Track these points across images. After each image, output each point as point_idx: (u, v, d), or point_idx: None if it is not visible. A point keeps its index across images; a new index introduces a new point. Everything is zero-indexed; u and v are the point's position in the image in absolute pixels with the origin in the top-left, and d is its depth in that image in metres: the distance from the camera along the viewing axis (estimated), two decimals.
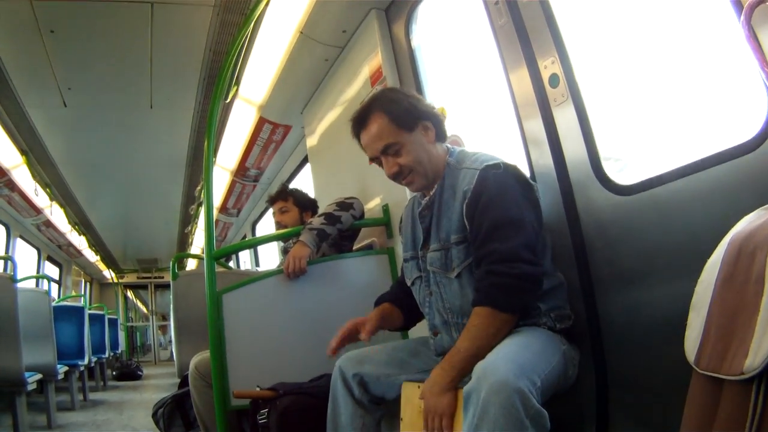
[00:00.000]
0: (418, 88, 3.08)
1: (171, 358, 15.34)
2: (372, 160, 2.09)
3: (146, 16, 3.91)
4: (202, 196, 7.36)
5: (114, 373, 11.20)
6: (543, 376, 1.55)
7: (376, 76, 3.31)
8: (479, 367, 1.51)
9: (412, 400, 1.88)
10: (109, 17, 3.92)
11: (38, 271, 10.07)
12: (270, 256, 8.15)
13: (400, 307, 2.20)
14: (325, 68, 4.00)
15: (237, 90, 4.41)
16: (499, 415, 1.39)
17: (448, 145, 2.12)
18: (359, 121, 2.06)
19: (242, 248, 7.77)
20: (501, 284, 1.71)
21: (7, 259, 5.72)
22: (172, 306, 4.63)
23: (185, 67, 4.62)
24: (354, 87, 3.62)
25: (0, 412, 5.73)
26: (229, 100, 4.43)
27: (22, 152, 6.09)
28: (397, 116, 1.98)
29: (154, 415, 3.49)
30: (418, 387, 1.82)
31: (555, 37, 2.13)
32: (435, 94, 3.10)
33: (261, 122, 4.90)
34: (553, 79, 2.13)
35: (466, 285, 1.89)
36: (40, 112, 5.32)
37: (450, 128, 2.18)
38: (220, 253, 3.26)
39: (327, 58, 3.88)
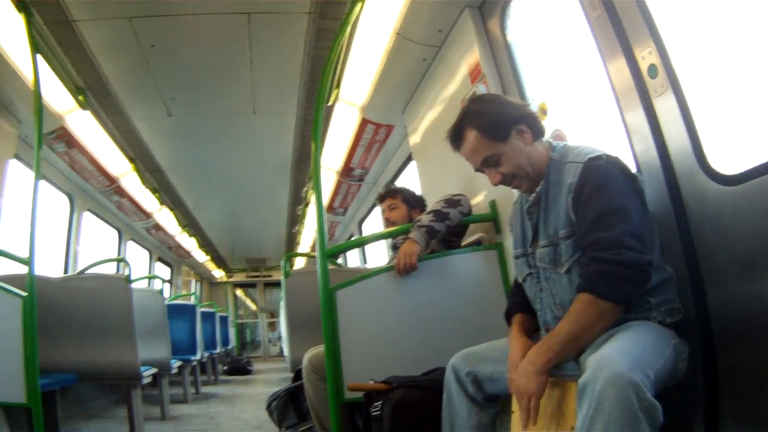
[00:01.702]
0: (517, 83, 3.06)
1: (280, 354, 15.77)
2: (476, 170, 2.12)
3: (244, 26, 4.03)
4: (309, 196, 7.56)
5: (225, 368, 11.64)
6: (655, 370, 1.52)
7: (475, 74, 3.31)
8: (594, 359, 1.50)
9: None
10: (206, 29, 4.09)
11: (150, 272, 10.46)
12: (376, 253, 8.27)
13: (530, 311, 2.15)
14: (423, 67, 4.03)
15: (338, 93, 4.50)
16: (614, 407, 1.38)
17: (550, 140, 2.10)
18: (454, 139, 2.10)
19: (354, 246, 7.93)
20: (605, 271, 1.69)
21: (122, 260, 6.06)
22: (283, 303, 4.76)
23: (286, 73, 4.73)
24: (454, 85, 3.63)
25: (116, 404, 6.12)
26: (331, 103, 4.54)
27: (131, 160, 6.37)
28: (488, 129, 1.99)
29: (268, 407, 3.61)
30: None
31: (650, 27, 2.07)
32: (535, 88, 3.05)
33: (364, 123, 4.99)
34: (652, 70, 2.07)
35: (576, 280, 1.87)
36: (145, 122, 5.60)
37: (552, 123, 2.17)
38: (332, 251, 3.39)
39: (425, 58, 3.91)
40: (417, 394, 2.31)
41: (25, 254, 3.18)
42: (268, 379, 10.14)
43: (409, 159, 5.30)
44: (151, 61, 4.41)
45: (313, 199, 6.62)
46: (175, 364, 6.14)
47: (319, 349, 3.16)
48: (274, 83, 4.94)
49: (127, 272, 4.68)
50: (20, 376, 3.00)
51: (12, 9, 3.43)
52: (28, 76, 3.96)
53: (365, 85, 4.38)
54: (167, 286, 11.60)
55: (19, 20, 3.43)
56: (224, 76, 4.81)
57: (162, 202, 8.11)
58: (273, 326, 17.66)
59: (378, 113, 4.86)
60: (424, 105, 4.21)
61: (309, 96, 5.11)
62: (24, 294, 3.11)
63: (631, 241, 1.70)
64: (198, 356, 7.66)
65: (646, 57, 2.09)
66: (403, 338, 2.92)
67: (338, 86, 4.39)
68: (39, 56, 3.53)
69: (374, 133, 5.17)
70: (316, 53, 4.42)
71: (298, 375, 3.50)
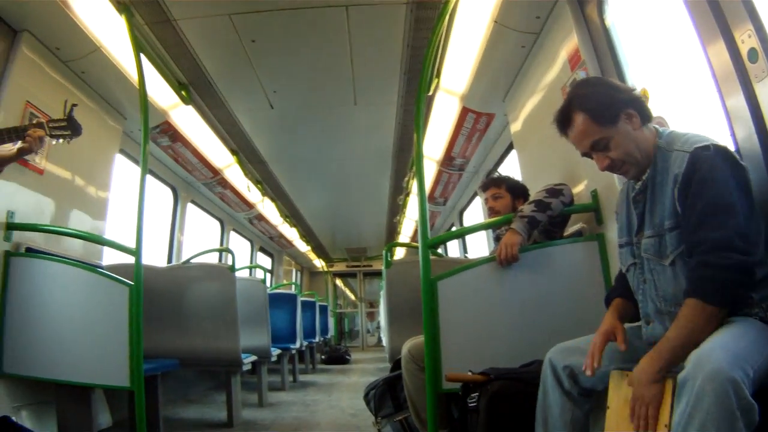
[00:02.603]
0: (617, 69, 2.96)
1: (378, 344, 15.91)
2: (583, 154, 2.08)
3: (342, 18, 4.06)
4: (410, 186, 7.57)
5: (323, 356, 11.84)
6: (755, 368, 1.46)
7: (574, 60, 3.22)
8: (695, 355, 1.48)
9: (619, 388, 1.85)
10: (305, 22, 4.13)
11: (251, 262, 10.76)
12: (476, 244, 8.18)
13: (630, 299, 2.13)
14: (522, 55, 3.96)
15: (438, 82, 4.52)
16: (712, 403, 1.35)
17: (656, 126, 2.03)
18: (561, 123, 2.06)
19: (456, 236, 7.93)
20: (712, 277, 1.64)
21: (226, 250, 6.24)
22: (384, 293, 4.79)
23: (385, 64, 4.74)
24: (553, 72, 3.54)
25: (215, 390, 6.32)
26: (431, 92, 4.53)
27: (233, 152, 6.59)
28: (597, 112, 1.95)
29: (365, 396, 3.63)
30: (626, 376, 1.79)
31: (749, 10, 1.95)
32: (635, 73, 2.94)
33: (464, 112, 4.98)
34: (752, 54, 1.95)
35: (680, 273, 1.83)
36: (247, 115, 5.75)
37: (654, 108, 2.06)
38: (435, 242, 3.32)
39: (523, 45, 3.84)
40: (514, 387, 2.29)
41: (132, 245, 3.32)
42: (365, 369, 10.26)
43: (510, 148, 5.22)
44: (252, 55, 4.51)
45: (414, 188, 6.62)
46: (275, 352, 6.26)
47: (419, 339, 3.16)
48: (374, 74, 4.96)
49: (230, 262, 4.79)
50: (125, 360, 3.15)
51: (113, 11, 3.60)
52: (132, 75, 4.13)
53: (464, 73, 4.37)
54: (268, 275, 11.90)
55: (120, 21, 3.60)
56: (324, 68, 4.85)
57: (264, 193, 8.34)
58: (371, 316, 17.86)
59: (478, 102, 4.82)
60: (525, 93, 4.13)
61: (409, 86, 5.10)
62: (131, 283, 3.25)
63: (738, 242, 1.64)
64: (297, 345, 7.79)
65: (746, 41, 1.99)
66: (502, 330, 2.91)
67: (438, 75, 4.42)
68: (142, 55, 3.67)
69: (475, 122, 5.14)
70: (414, 43, 4.39)
71: (396, 365, 3.50)
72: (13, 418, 2.92)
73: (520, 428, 2.15)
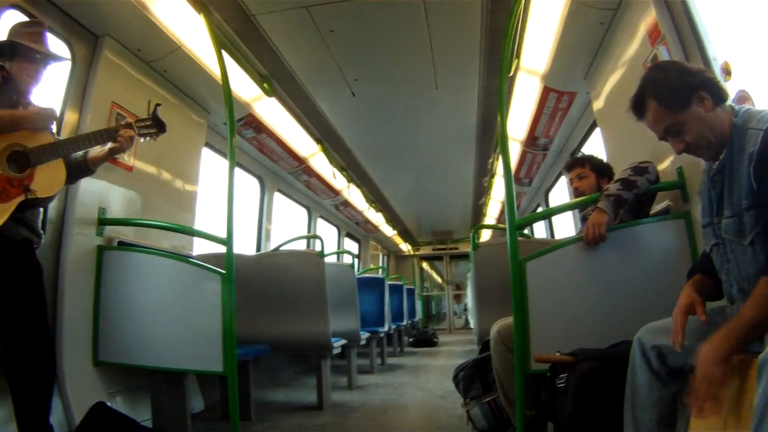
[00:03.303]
0: (698, 42, 2.81)
1: (464, 326, 15.86)
2: (660, 139, 2.07)
3: (419, 4, 4.08)
4: (494, 168, 7.52)
5: (411, 339, 11.91)
6: None
7: (654, 35, 3.12)
8: None
9: None
10: (382, 11, 4.18)
11: (338, 247, 10.93)
12: (561, 224, 8.07)
13: (712, 276, 2.09)
14: (601, 31, 3.87)
15: (519, 63, 4.49)
16: None
17: (732, 105, 1.98)
18: (636, 109, 2.06)
19: (544, 217, 7.82)
20: None
21: (315, 237, 6.38)
22: (471, 275, 4.79)
23: (464, 47, 4.74)
24: (634, 47, 3.44)
25: (305, 374, 6.47)
26: (512, 73, 4.49)
27: (317, 141, 6.74)
28: (668, 99, 1.94)
29: (454, 377, 3.64)
30: None
31: None
32: (717, 46, 2.80)
33: (546, 91, 4.93)
34: None
35: (760, 252, 1.78)
36: (330, 104, 5.87)
37: (737, 83, 2.00)
38: (522, 223, 3.31)
39: (602, 22, 3.76)
40: (602, 367, 2.26)
41: (223, 235, 3.45)
42: (453, 351, 10.23)
43: (593, 126, 5.12)
44: (332, 45, 4.59)
45: (499, 170, 6.56)
46: (364, 335, 6.35)
47: (507, 320, 3.15)
48: (454, 57, 4.95)
49: (319, 248, 4.89)
50: (219, 346, 3.27)
51: (191, 10, 3.74)
52: (214, 70, 4.30)
53: (544, 53, 4.33)
54: (356, 260, 11.99)
55: (199, 20, 3.72)
56: (404, 54, 4.89)
57: (349, 180, 8.47)
58: (458, 299, 17.81)
59: (559, 80, 4.75)
60: (606, 70, 4.03)
61: (489, 68, 5.08)
62: (223, 272, 3.37)
63: None
64: (385, 328, 7.87)
65: None
66: (590, 310, 2.88)
67: (518, 56, 4.38)
68: (223, 51, 3.78)
69: (557, 101, 5.07)
70: (492, 25, 4.37)
71: (485, 346, 3.50)
72: (109, 404, 3.11)
73: (609, 409, 2.14)
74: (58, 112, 3.24)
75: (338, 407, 4.77)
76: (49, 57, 2.77)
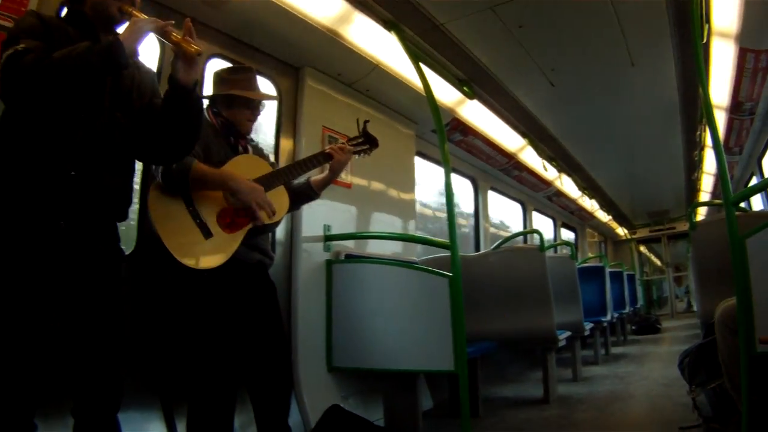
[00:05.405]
0: None
1: (687, 310, 14.92)
2: None
3: None
4: (703, 140, 7.08)
5: (633, 327, 11.49)
6: None
7: None
8: None
9: None
10: None
11: (555, 239, 10.79)
12: None
13: None
14: None
15: (710, 28, 4.25)
16: None
17: None
18: None
19: (761, 190, 7.21)
20: None
21: (534, 232, 6.40)
22: (691, 255, 4.59)
23: (652, 17, 4.53)
24: None
25: (529, 368, 6.48)
26: (705, 40, 4.24)
27: (523, 135, 6.76)
28: None
29: (679, 364, 3.53)
30: None
31: None
32: None
33: (742, 52, 4.57)
34: None
35: None
36: (530, 97, 5.87)
37: None
38: (738, 198, 3.09)
39: None
40: None
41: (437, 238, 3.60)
42: (676, 337, 9.85)
43: None
44: (522, 39, 4.61)
45: (708, 142, 6.15)
46: (588, 326, 6.27)
47: (731, 301, 2.97)
48: (644, 30, 4.73)
49: (538, 242, 4.91)
50: (449, 346, 3.41)
51: (382, 30, 3.99)
52: (413, 81, 4.50)
53: (733, 12, 4.05)
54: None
55: (391, 38, 3.99)
56: (594, 35, 4.77)
57: (560, 169, 8.43)
58: (678, 281, 16.74)
59: (754, 39, 4.38)
60: None
61: (681, 36, 4.80)
62: (449, 274, 3.52)
63: None
64: (608, 317, 7.68)
65: None
66: None
67: (707, 21, 4.13)
68: (421, 64, 3.97)
69: (755, 61, 4.66)
70: None
71: (709, 330, 3.33)
72: (343, 406, 3.37)
73: None
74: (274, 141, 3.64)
75: (564, 400, 4.78)
76: (264, 100, 3.01)
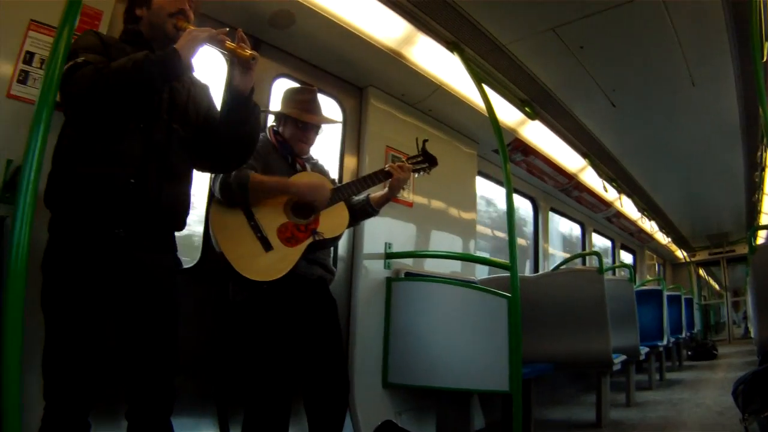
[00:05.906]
0: None
1: (744, 336, 14.51)
2: None
3: (659, 3, 3.95)
4: (765, 161, 6.93)
5: (689, 352, 11.20)
6: None
7: None
8: None
9: None
10: (625, 17, 4.08)
11: (613, 260, 10.63)
12: None
13: None
14: None
15: None
16: None
17: None
18: None
19: None
20: None
21: (594, 254, 6.34)
22: (749, 280, 4.50)
23: (712, 37, 4.48)
24: None
25: (582, 391, 6.39)
26: (766, 58, 4.18)
27: (584, 155, 6.74)
28: None
29: (733, 392, 3.47)
30: None
31: None
32: None
33: None
34: None
35: None
36: (592, 118, 5.86)
37: None
38: None
39: None
40: None
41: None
42: (732, 364, 9.57)
43: None
44: (584, 60, 4.62)
45: None
46: (643, 350, 6.16)
47: None
48: (704, 49, 4.68)
49: (596, 264, 4.88)
50: (505, 366, 3.44)
51: (445, 51, 4.06)
52: (476, 102, 4.54)
53: None
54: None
55: (454, 59, 4.05)
56: (654, 55, 4.73)
57: (620, 190, 8.34)
58: (736, 306, 16.25)
59: None
60: None
61: (741, 55, 4.72)
62: (508, 295, 3.55)
63: None
64: (664, 342, 7.56)
65: None
66: None
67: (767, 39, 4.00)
68: (483, 84, 4.01)
69: None
70: (735, 11, 4.08)
71: (765, 357, 3.27)
72: (396, 422, 3.40)
73: None
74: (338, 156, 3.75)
75: (616, 425, 4.71)
76: (318, 124, 3.05)
